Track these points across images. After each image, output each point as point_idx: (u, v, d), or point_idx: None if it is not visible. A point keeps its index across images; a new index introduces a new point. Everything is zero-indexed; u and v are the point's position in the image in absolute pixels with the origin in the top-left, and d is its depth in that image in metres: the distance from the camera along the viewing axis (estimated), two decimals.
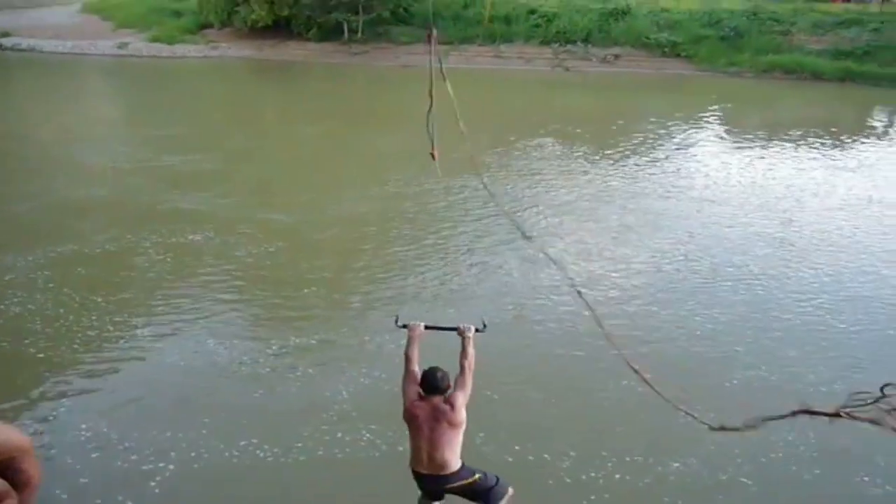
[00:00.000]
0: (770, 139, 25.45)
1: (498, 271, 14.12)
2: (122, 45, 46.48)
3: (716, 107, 30.95)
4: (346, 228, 16.17)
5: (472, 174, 18.36)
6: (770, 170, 21.41)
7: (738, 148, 24.37)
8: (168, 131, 25.42)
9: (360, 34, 43.54)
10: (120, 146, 23.48)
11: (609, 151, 23.09)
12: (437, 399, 5.74)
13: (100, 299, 12.79)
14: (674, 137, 25.60)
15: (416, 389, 5.84)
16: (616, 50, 40.51)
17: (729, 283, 13.63)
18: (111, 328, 11.89)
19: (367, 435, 9.08)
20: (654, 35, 40.27)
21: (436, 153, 7.29)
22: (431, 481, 5.83)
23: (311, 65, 41.96)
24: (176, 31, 47.66)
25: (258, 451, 8.80)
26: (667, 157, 22.81)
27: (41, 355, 11.10)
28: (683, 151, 23.73)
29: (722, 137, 26.44)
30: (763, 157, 22.87)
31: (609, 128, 26.81)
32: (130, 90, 37.67)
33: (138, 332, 11.86)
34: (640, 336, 11.41)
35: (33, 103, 32.44)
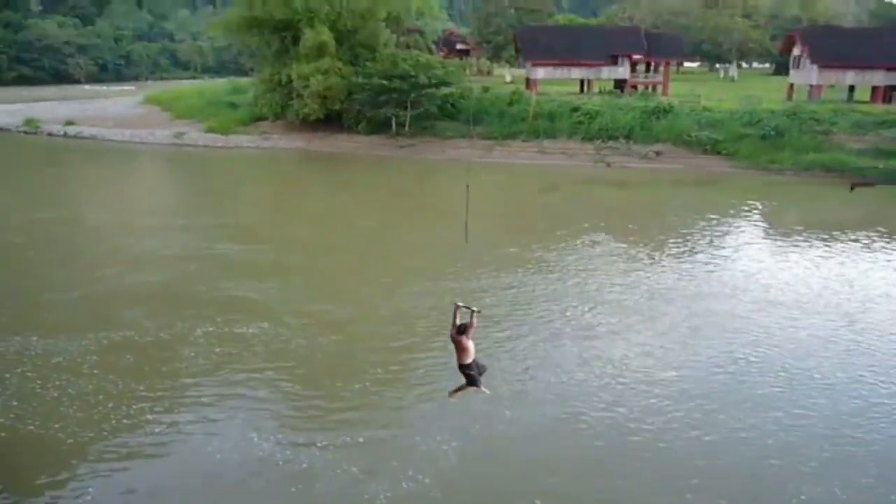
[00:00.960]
0: (819, 237, 25.33)
1: (555, 370, 14.25)
2: (179, 135, 48.63)
3: (759, 204, 31.16)
4: (398, 324, 16.32)
5: (522, 269, 18.84)
6: (825, 268, 21.36)
7: (791, 246, 24.36)
8: (221, 220, 26.30)
9: (407, 128, 45.04)
10: (176, 233, 24.22)
11: (661, 248, 23.28)
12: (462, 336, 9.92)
13: (142, 387, 13.16)
14: (723, 235, 25.78)
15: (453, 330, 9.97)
16: (658, 147, 41.23)
17: (801, 390, 13.51)
18: (150, 416, 12.26)
19: None
20: (696, 133, 40.95)
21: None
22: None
23: (360, 157, 43.34)
24: (231, 123, 49.83)
25: None
26: (720, 255, 22.83)
27: (70, 440, 11.44)
28: (736, 249, 23.77)
29: (770, 235, 26.51)
30: (818, 256, 22.75)
31: (657, 223, 27.09)
32: (185, 178, 39.22)
33: (179, 420, 12.19)
34: (709, 441, 11.40)
35: (90, 189, 33.91)
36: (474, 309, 9.87)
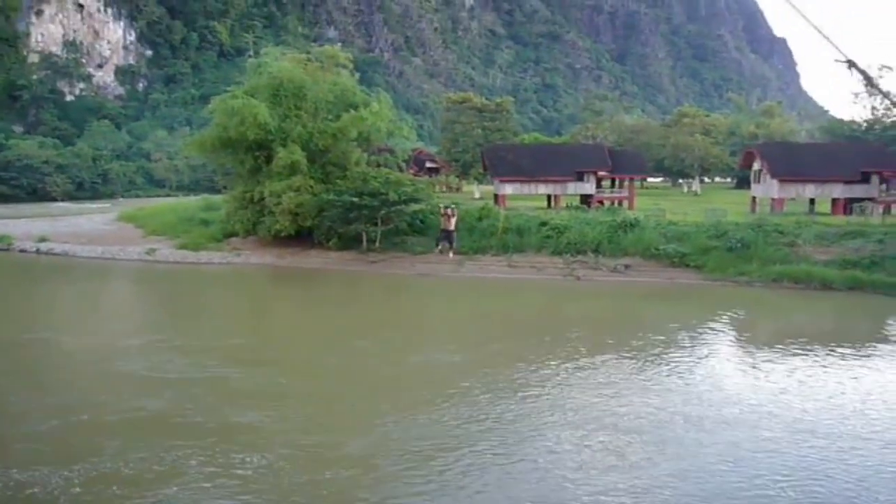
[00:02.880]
0: (807, 351, 24.98)
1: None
2: (150, 251, 48.54)
3: (731, 315, 31.37)
4: (403, 457, 15.24)
5: (510, 390, 18.53)
6: (840, 385, 20.77)
7: (773, 358, 24.15)
8: (200, 340, 25.47)
9: (377, 244, 45.40)
10: (155, 355, 23.02)
11: (651, 365, 22.74)
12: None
13: None
14: (696, 347, 25.62)
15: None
16: (626, 260, 41.78)
17: None
18: None
19: None
20: (663, 246, 41.64)
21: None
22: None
23: (331, 272, 43.33)
24: (202, 239, 49.95)
25: None
26: (720, 373, 22.23)
27: None
28: (709, 362, 23.55)
29: (745, 347, 26.22)
30: (812, 373, 22.11)
31: (642, 338, 26.68)
32: (156, 296, 38.75)
33: None
34: None
35: (61, 308, 33.26)
36: (452, 206, 17.66)
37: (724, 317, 31.05)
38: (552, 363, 22.50)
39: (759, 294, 36.88)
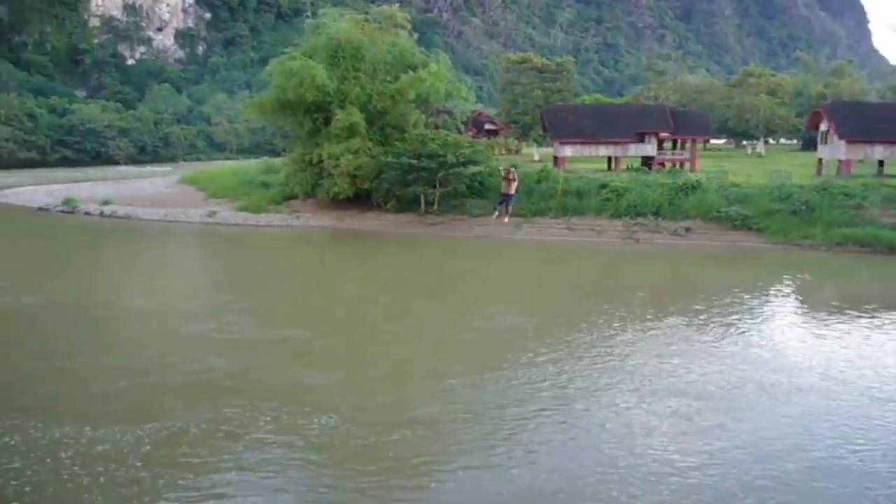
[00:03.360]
0: (876, 317, 24.14)
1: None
2: (211, 214, 49.55)
3: (795, 279, 30.65)
4: (469, 421, 15.23)
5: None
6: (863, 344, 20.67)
7: (835, 323, 23.73)
8: (265, 301, 25.90)
9: (436, 206, 45.47)
10: (221, 317, 23.29)
11: (717, 329, 22.32)
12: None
13: (193, 479, 12.71)
14: (775, 314, 25.17)
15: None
16: (687, 223, 41.05)
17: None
18: None
19: None
20: (725, 209, 40.78)
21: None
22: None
23: (389, 234, 43.66)
24: (262, 202, 50.73)
25: None
26: (789, 338, 21.77)
27: None
28: (803, 330, 23.04)
29: (828, 314, 25.09)
30: (884, 339, 21.58)
31: (705, 301, 26.21)
32: (219, 257, 39.62)
33: None
34: None
35: (126, 270, 34.20)
36: (513, 168, 17.81)
37: (789, 281, 30.37)
38: (616, 327, 22.33)
39: (823, 258, 35.94)
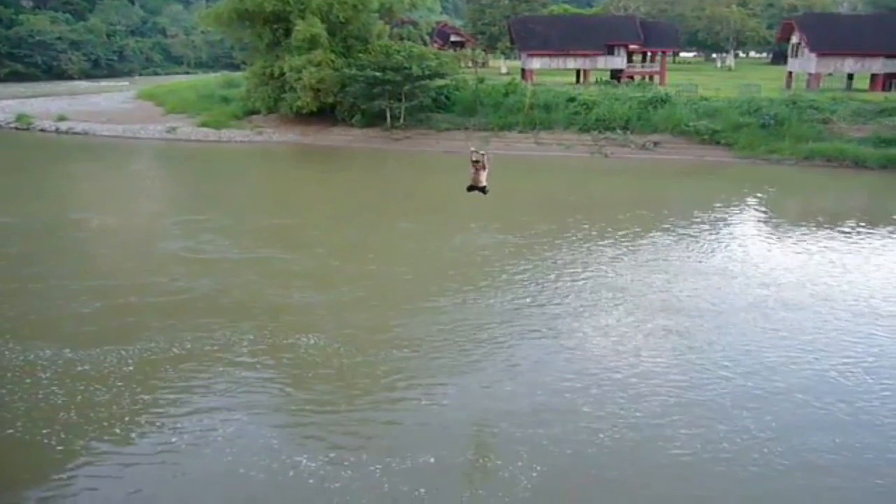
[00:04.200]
0: (824, 227, 24.77)
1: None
2: (171, 130, 48.09)
3: (759, 194, 30.73)
4: (453, 338, 15.18)
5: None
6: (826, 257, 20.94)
7: (796, 236, 23.91)
8: (233, 219, 25.30)
9: (402, 120, 44.54)
10: (192, 235, 22.93)
11: (696, 245, 22.49)
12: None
13: (180, 397, 12.62)
14: (724, 225, 25.30)
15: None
16: (656, 137, 40.80)
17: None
18: (180, 425, 11.79)
19: None
20: (694, 123, 40.51)
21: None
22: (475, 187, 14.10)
23: (355, 149, 42.82)
24: (223, 117, 49.26)
25: None
26: (770, 255, 21.80)
27: (89, 444, 11.15)
28: (737, 239, 23.30)
29: (805, 229, 25.24)
30: (862, 255, 21.75)
31: (656, 214, 26.49)
32: (182, 174, 38.58)
33: (210, 431, 11.62)
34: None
35: (89, 188, 33.21)
36: (482, 152, 13.92)
37: (762, 195, 30.42)
38: (596, 244, 22.29)
39: (791, 172, 36.09)
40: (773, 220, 27.05)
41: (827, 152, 37.29)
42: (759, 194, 30.53)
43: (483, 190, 13.68)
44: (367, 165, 39.31)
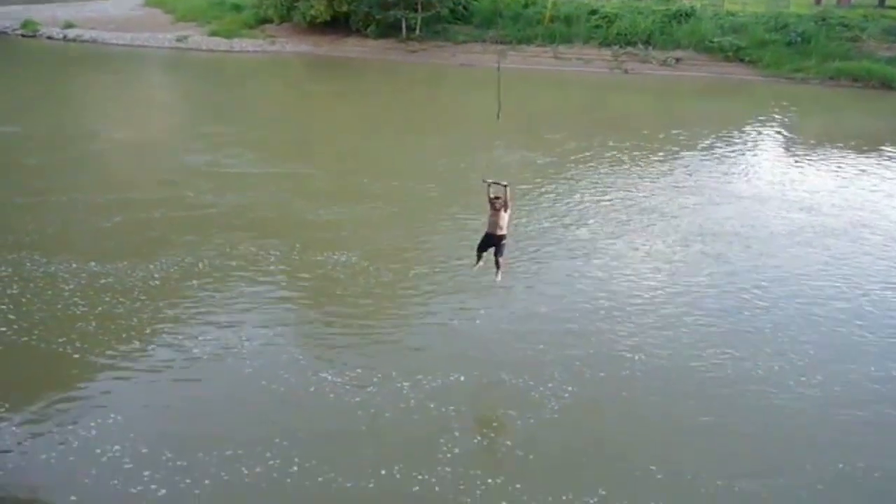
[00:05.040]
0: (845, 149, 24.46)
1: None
2: (182, 39, 47.03)
3: (783, 114, 30.17)
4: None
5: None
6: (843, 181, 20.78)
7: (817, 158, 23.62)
8: (253, 133, 24.95)
9: (417, 31, 43.43)
10: (210, 149, 22.61)
11: (727, 166, 22.32)
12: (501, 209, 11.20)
13: (202, 310, 12.72)
14: (784, 153, 24.95)
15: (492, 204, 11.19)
16: (678, 53, 39.79)
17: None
18: (205, 335, 11.92)
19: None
20: (718, 39, 39.44)
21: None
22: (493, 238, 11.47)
23: (370, 61, 41.91)
24: (235, 26, 48.01)
25: None
26: (807, 177, 21.65)
27: (106, 355, 11.29)
28: (819, 169, 22.84)
29: (838, 152, 24.95)
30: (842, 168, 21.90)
31: (674, 133, 26.17)
32: (194, 85, 37.87)
33: (229, 342, 11.76)
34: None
35: (101, 99, 32.74)
36: (504, 183, 10.99)
37: (789, 116, 29.98)
38: (625, 163, 22.09)
39: (816, 92, 35.41)
40: (805, 142, 26.66)
41: (854, 72, 36.39)
42: (788, 115, 30.01)
43: (499, 246, 11.17)
44: (382, 78, 38.52)
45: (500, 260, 11.36)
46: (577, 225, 17.12)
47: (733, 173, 21.56)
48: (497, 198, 11.00)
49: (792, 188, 20.25)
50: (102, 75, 38.23)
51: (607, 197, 19.00)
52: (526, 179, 20.13)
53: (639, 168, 21.64)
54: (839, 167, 22.53)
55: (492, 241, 11.35)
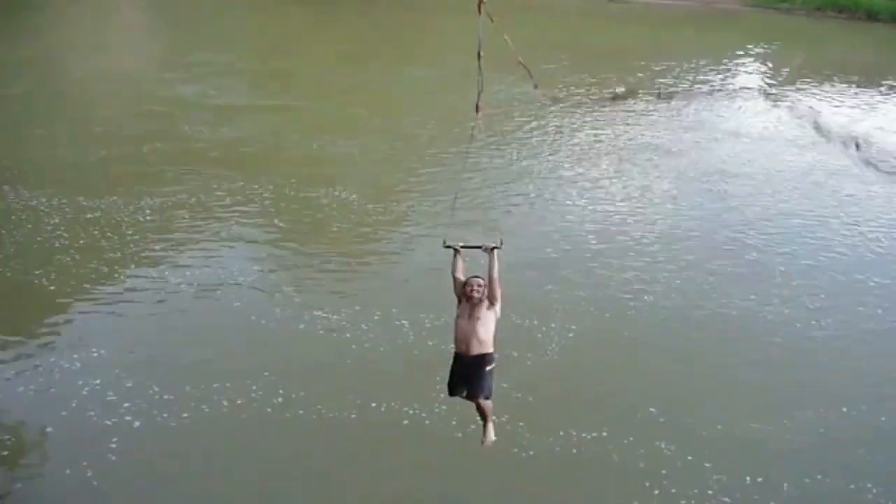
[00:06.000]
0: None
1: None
2: None
3: (767, 47, 29.66)
4: (470, 191, 14.44)
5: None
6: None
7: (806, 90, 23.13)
8: (239, 64, 23.83)
9: None
10: (196, 80, 21.47)
11: (728, 102, 21.92)
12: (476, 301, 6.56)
13: (176, 251, 12.16)
14: (784, 89, 24.18)
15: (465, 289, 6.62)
16: None
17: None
18: (187, 262, 11.52)
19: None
20: None
21: (480, 106, 7.26)
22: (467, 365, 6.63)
23: None
24: None
25: None
26: (813, 111, 21.13)
27: (81, 287, 10.78)
28: (822, 103, 22.25)
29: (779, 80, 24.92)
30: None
31: (655, 65, 25.54)
32: (174, 12, 35.04)
33: (217, 274, 11.31)
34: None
35: (83, 26, 30.76)
36: (490, 245, 6.68)
37: (782, 49, 29.37)
38: (624, 99, 21.44)
39: (803, 24, 34.93)
40: (805, 77, 25.83)
41: (840, 3, 35.93)
42: (781, 47, 29.56)
43: (481, 380, 6.42)
44: (367, 5, 36.83)
45: (487, 405, 6.68)
46: (580, 161, 16.61)
47: (736, 110, 21.15)
48: (471, 285, 6.49)
49: (795, 126, 19.85)
50: (82, 3, 36.05)
51: (611, 134, 18.46)
52: (525, 114, 19.44)
53: (641, 104, 21.05)
54: (841, 101, 22.21)
55: (468, 373, 6.55)
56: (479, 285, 6.47)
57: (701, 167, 16.55)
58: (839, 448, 8.23)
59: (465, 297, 6.50)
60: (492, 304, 6.47)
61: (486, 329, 6.44)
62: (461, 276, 6.60)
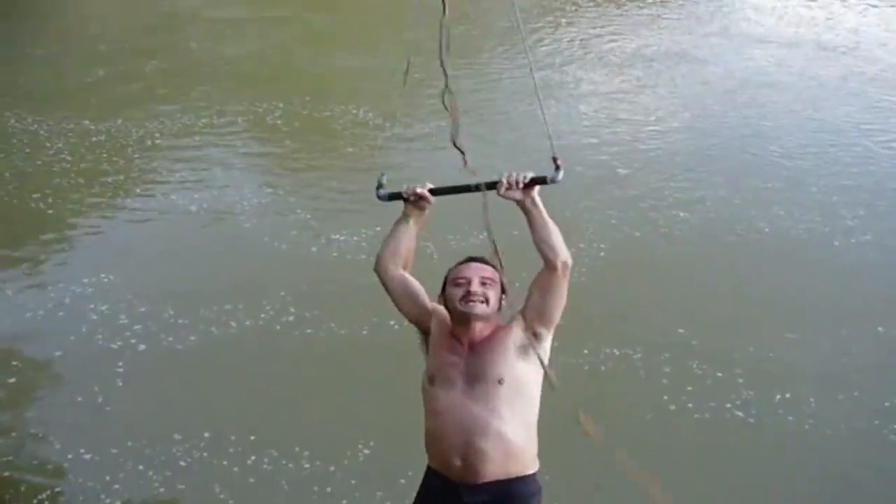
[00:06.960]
0: None
1: None
2: None
3: None
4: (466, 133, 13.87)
5: None
6: None
7: None
8: None
9: None
10: None
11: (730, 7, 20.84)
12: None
13: (183, 173, 11.81)
14: None
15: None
16: None
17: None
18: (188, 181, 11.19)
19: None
20: None
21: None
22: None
23: None
24: None
25: None
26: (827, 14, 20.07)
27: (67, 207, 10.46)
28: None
29: None
30: None
31: None
32: None
33: (211, 192, 10.98)
34: None
35: None
36: (547, 177, 3.59)
37: None
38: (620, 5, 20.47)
39: None
40: None
41: None
42: None
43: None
44: None
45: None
46: (598, 68, 15.95)
47: (761, 11, 20.08)
48: (472, 283, 3.49)
49: (828, 29, 18.78)
50: None
51: (625, 37, 17.71)
52: (526, 21, 18.55)
53: (655, 4, 20.17)
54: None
55: None
56: (495, 281, 3.42)
57: (729, 76, 15.81)
58: (872, 368, 7.72)
59: (457, 320, 3.36)
60: (535, 329, 3.33)
61: (523, 407, 3.09)
62: (406, 268, 3.47)
